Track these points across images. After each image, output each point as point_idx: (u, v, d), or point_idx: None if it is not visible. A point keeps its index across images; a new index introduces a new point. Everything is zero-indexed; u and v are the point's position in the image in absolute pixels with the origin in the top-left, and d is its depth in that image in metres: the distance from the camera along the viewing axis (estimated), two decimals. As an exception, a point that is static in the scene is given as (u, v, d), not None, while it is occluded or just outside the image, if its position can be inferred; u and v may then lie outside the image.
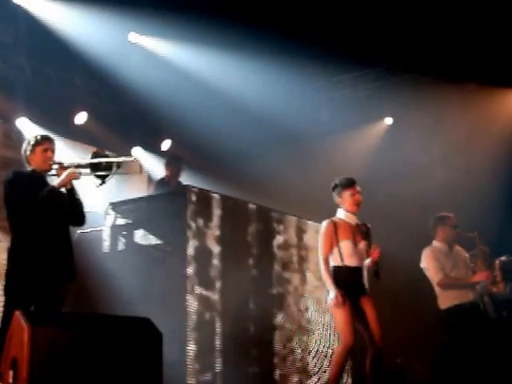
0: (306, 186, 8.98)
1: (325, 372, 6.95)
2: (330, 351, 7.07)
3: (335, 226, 5.39)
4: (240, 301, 6.43)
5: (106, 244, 6.48)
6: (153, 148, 9.27)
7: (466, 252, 6.40)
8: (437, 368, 6.30)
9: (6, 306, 4.67)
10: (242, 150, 8.84)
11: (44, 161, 4.92)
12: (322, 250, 5.38)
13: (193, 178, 8.17)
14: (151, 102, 8.29)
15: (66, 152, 7.94)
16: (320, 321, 7.26)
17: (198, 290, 6.07)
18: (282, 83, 8.76)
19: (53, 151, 4.99)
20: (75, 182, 4.96)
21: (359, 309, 5.31)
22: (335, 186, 5.55)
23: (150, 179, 8.95)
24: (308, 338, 7.06)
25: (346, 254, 5.34)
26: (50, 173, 4.99)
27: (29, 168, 4.97)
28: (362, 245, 5.44)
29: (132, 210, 6.55)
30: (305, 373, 6.92)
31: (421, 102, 9.02)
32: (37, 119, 7.78)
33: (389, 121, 9.85)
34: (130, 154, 5.35)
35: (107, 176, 4.96)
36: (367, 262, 5.41)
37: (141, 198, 6.80)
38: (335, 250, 5.35)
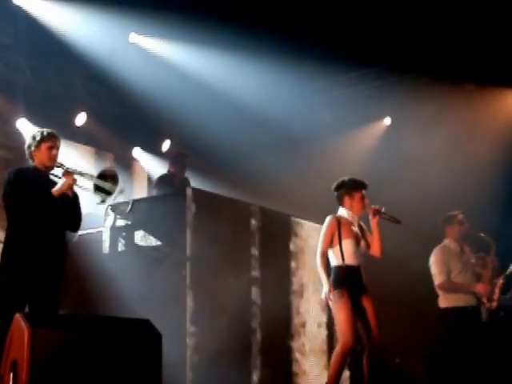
0: (305, 186, 8.99)
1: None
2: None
3: (339, 222, 5.39)
4: (241, 302, 6.43)
5: (106, 245, 6.48)
6: (153, 149, 9.27)
7: (472, 254, 6.41)
8: (432, 367, 6.32)
9: None
10: (241, 151, 8.84)
11: (49, 158, 4.90)
12: (321, 244, 5.39)
13: (192, 178, 8.17)
14: (151, 103, 8.29)
15: (66, 153, 7.97)
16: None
17: (198, 291, 6.06)
18: (281, 83, 8.76)
19: (58, 149, 4.97)
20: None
21: (360, 307, 5.32)
22: (344, 184, 5.53)
23: (150, 181, 8.95)
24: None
25: (347, 254, 5.35)
26: (52, 171, 4.98)
27: (32, 164, 4.95)
28: (363, 244, 5.45)
29: (132, 211, 6.54)
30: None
31: (420, 101, 9.03)
32: (36, 120, 7.76)
33: (388, 121, 9.88)
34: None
35: (108, 198, 4.96)
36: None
37: (141, 199, 6.79)
38: (337, 248, 5.36)
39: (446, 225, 6.40)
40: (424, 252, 6.60)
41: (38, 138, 4.92)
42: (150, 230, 6.38)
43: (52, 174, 5.01)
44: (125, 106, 8.74)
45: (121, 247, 6.46)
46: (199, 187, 6.83)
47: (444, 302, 6.24)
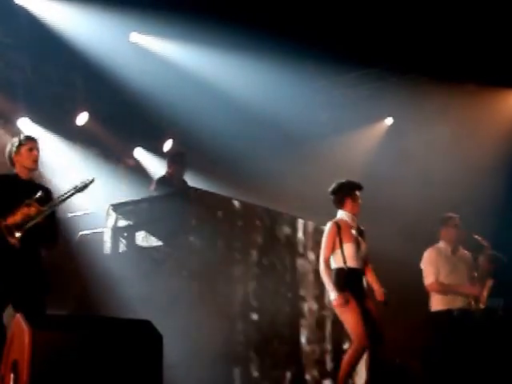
0: (306, 186, 8.98)
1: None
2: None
3: (339, 227, 5.41)
4: (242, 302, 6.43)
5: (107, 245, 6.46)
6: (154, 148, 9.26)
7: (470, 256, 6.41)
8: (427, 367, 6.34)
9: None
10: (242, 151, 8.83)
11: (30, 159, 4.91)
12: (324, 250, 5.41)
13: (194, 178, 8.16)
14: (152, 102, 8.28)
15: (66, 153, 7.98)
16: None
17: (199, 291, 6.05)
18: (282, 83, 8.75)
19: (38, 150, 4.99)
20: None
21: (364, 309, 5.34)
22: (344, 186, 5.54)
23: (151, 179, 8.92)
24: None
25: (348, 257, 5.37)
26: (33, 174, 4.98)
27: (13, 171, 4.94)
28: (364, 247, 5.47)
29: (133, 212, 6.53)
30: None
31: (421, 102, 9.02)
32: (37, 119, 7.77)
33: (389, 121, 9.86)
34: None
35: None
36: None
37: (142, 200, 6.77)
38: (338, 252, 5.38)
39: (442, 226, 6.40)
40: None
41: (16, 144, 4.96)
42: (151, 231, 6.37)
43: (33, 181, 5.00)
44: (126, 106, 8.72)
45: (122, 248, 6.44)
46: (200, 187, 6.81)
47: (434, 304, 6.26)
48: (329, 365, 7.10)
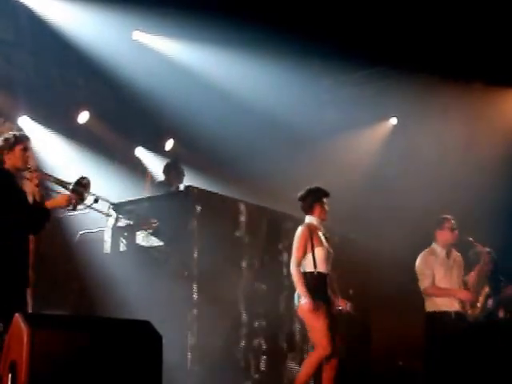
0: (310, 185, 8.92)
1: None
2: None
3: (311, 231, 5.49)
4: (244, 303, 6.39)
5: (107, 245, 6.43)
6: (156, 148, 9.23)
7: (461, 259, 6.40)
8: (430, 368, 6.33)
9: None
10: (246, 150, 8.80)
11: (23, 160, 4.82)
12: (296, 253, 5.49)
13: (196, 178, 8.13)
14: (154, 101, 8.25)
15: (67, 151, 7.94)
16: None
17: (200, 291, 6.01)
18: (287, 82, 8.74)
19: (31, 151, 4.93)
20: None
21: (329, 316, 5.41)
22: (313, 193, 5.64)
23: (152, 180, 8.89)
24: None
25: (319, 261, 5.44)
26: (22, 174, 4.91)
27: (3, 167, 4.84)
28: (331, 251, 5.57)
29: (134, 211, 6.49)
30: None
31: (427, 100, 8.99)
32: (39, 118, 7.73)
33: (394, 121, 9.85)
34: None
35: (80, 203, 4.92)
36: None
37: (143, 199, 6.73)
38: (309, 256, 5.45)
39: (437, 228, 6.36)
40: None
41: (11, 141, 4.84)
42: (152, 230, 6.33)
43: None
44: (128, 104, 8.69)
45: (122, 247, 6.42)
46: (203, 187, 6.76)
47: (429, 306, 6.27)
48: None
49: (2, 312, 4.50)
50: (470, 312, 6.32)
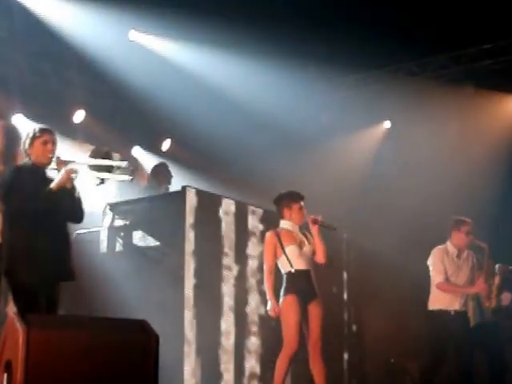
0: (305, 188, 8.91)
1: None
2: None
3: (278, 235, 5.49)
4: (240, 303, 6.40)
5: (104, 245, 6.42)
6: (152, 148, 9.20)
7: (474, 256, 6.37)
8: (427, 367, 6.31)
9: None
10: (242, 151, 8.80)
11: (43, 154, 4.73)
12: (266, 260, 5.48)
13: (192, 178, 8.11)
14: (151, 101, 8.23)
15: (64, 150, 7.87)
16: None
17: (196, 291, 6.00)
18: (283, 84, 8.73)
19: (53, 143, 4.80)
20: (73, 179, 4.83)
21: (306, 313, 5.37)
22: (282, 198, 5.63)
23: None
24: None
25: (293, 258, 5.41)
26: (50, 166, 4.84)
27: (29, 162, 4.78)
28: (307, 248, 5.51)
29: (130, 211, 6.48)
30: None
31: (421, 104, 9.01)
32: (33, 116, 7.67)
33: (387, 124, 9.89)
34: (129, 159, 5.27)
35: (108, 174, 4.84)
36: None
37: (139, 199, 6.72)
38: (283, 258, 5.44)
39: (454, 229, 6.33)
40: (424, 256, 6.55)
41: (30, 135, 4.78)
42: (148, 230, 6.32)
43: (52, 169, 4.86)
44: (124, 104, 8.66)
45: (118, 247, 6.41)
46: (199, 187, 6.75)
47: (433, 303, 6.23)
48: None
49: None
50: (487, 304, 6.31)
